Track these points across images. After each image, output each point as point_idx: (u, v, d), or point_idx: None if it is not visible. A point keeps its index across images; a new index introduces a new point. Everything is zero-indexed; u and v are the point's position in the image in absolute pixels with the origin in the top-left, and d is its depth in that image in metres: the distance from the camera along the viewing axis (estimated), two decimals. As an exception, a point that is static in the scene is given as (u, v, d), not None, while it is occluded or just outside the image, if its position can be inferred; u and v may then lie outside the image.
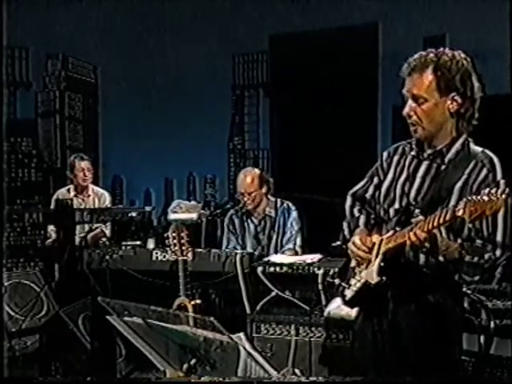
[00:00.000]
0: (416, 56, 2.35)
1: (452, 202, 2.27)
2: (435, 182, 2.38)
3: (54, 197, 5.60)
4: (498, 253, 2.27)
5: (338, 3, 12.67)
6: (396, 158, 2.55)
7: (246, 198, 4.57)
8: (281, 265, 3.94)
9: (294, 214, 4.64)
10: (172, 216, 4.83)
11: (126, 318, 2.12)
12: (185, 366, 1.99)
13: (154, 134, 15.37)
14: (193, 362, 2.00)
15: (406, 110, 2.36)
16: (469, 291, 3.43)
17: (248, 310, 3.92)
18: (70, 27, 14.27)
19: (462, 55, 2.35)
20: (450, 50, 2.36)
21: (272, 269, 3.91)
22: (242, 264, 4.00)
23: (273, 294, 3.88)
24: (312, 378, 1.83)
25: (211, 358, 2.00)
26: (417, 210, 2.33)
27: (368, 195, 2.64)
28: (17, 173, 14.52)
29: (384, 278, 2.33)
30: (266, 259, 4.11)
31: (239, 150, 16.16)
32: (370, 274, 2.38)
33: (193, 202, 5.28)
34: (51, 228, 5.37)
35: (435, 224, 2.17)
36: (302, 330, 3.71)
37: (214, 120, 15.83)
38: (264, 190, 4.62)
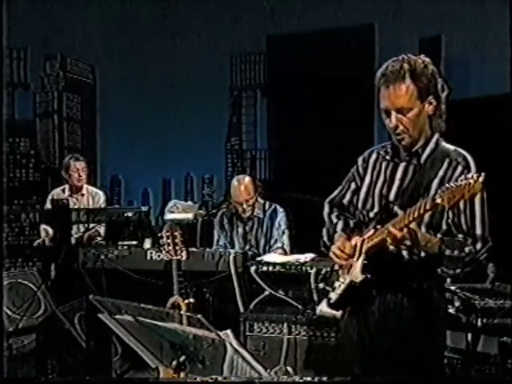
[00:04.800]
0: (389, 66, 2.42)
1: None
2: (413, 181, 2.44)
3: (49, 197, 5.59)
4: (478, 246, 2.34)
5: (336, 4, 12.70)
6: (371, 163, 2.60)
7: (245, 206, 4.65)
8: (274, 264, 3.98)
9: (281, 215, 4.71)
10: (169, 216, 4.88)
11: (118, 316, 2.15)
12: (174, 363, 2.02)
13: (151, 134, 15.39)
14: (182, 358, 2.03)
15: (393, 122, 2.41)
16: (458, 290, 3.49)
17: (241, 309, 3.97)
18: (69, 28, 14.29)
19: (427, 59, 2.43)
20: (413, 55, 2.43)
21: (265, 268, 3.96)
22: (235, 263, 4.05)
23: (266, 292, 3.93)
24: (316, 378, 1.85)
25: (200, 355, 2.03)
26: (396, 207, 2.39)
27: (345, 201, 2.70)
28: (15, 173, 14.54)
29: (368, 275, 2.38)
30: (259, 258, 4.15)
31: (237, 150, 16.16)
32: (354, 273, 2.43)
33: (189, 202, 5.33)
34: (43, 227, 5.39)
35: (415, 215, 2.23)
36: (294, 328, 3.75)
37: (212, 120, 15.84)
38: (257, 194, 4.71)
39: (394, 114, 2.40)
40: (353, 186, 2.68)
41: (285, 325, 3.76)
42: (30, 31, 13.63)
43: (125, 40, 14.99)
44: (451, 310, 3.49)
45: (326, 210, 2.77)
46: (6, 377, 3.52)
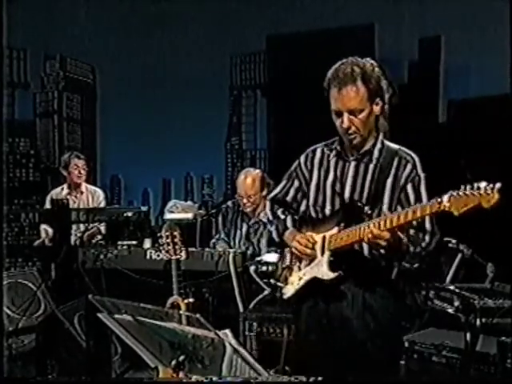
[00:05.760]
0: (340, 70, 2.47)
1: (385, 197, 2.44)
2: (367, 179, 2.51)
3: (48, 197, 5.56)
4: (427, 239, 2.42)
5: (335, 4, 12.71)
6: (317, 160, 2.65)
7: (245, 201, 4.43)
8: (273, 264, 3.98)
9: None
10: (168, 216, 4.87)
11: (117, 316, 2.15)
12: (173, 363, 2.03)
13: (151, 134, 15.43)
14: (181, 358, 2.03)
15: (346, 123, 2.46)
16: (457, 290, 3.49)
17: (241, 309, 3.97)
18: (68, 28, 14.30)
19: (374, 61, 2.52)
20: (360, 58, 2.50)
21: (264, 268, 3.96)
22: (234, 263, 4.04)
23: (265, 292, 3.93)
24: (315, 379, 1.86)
25: (199, 355, 2.04)
26: (366, 208, 2.44)
27: (289, 198, 2.74)
28: (15, 173, 14.56)
29: (341, 272, 2.40)
30: (258, 258, 4.15)
31: (236, 150, 16.21)
32: (320, 271, 2.44)
33: (189, 202, 5.32)
34: (43, 227, 5.38)
35: (409, 218, 2.24)
36: (293, 327, 3.74)
37: (212, 120, 15.87)
38: (264, 192, 4.40)
39: (346, 115, 2.46)
40: (296, 183, 2.72)
41: (284, 324, 3.76)
42: (30, 31, 13.65)
43: (125, 40, 15.00)
44: (450, 310, 3.50)
45: (269, 207, 2.82)
46: (6, 377, 3.52)
